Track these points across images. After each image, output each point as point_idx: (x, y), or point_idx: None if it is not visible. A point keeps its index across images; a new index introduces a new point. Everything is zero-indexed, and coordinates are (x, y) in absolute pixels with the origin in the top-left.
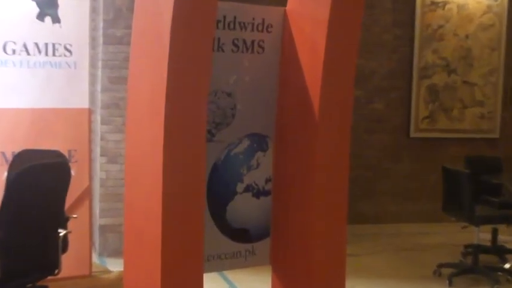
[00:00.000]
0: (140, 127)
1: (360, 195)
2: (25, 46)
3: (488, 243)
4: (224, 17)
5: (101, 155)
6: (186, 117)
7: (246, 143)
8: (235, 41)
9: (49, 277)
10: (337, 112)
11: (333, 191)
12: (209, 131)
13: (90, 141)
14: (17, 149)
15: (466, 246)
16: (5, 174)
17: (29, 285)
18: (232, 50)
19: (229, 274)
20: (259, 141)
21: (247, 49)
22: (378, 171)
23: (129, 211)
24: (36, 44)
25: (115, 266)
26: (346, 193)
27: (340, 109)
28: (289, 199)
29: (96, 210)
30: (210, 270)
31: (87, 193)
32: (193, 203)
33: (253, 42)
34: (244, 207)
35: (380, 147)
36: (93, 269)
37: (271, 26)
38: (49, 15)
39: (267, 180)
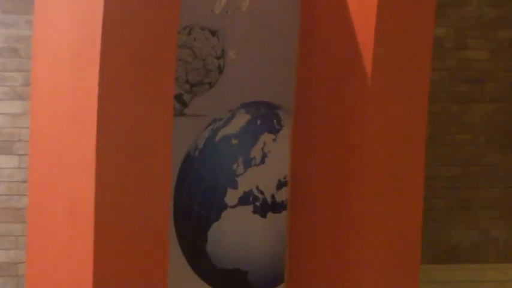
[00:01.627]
0: (56, 89)
1: (445, 213)
2: None
3: None
4: None
5: None
6: (137, 70)
7: (242, 118)
8: None
9: None
10: (403, 67)
11: (395, 206)
12: (178, 98)
13: None
14: None
15: None
16: None
17: None
18: None
19: None
20: (266, 116)
21: None
22: (477, 170)
23: (34, 239)
24: None
25: None
26: (420, 209)
27: (408, 61)
28: (318, 219)
29: None
30: None
31: None
32: (149, 225)
33: None
34: (239, 232)
35: (481, 128)
36: None
37: None
38: None
39: (280, 185)
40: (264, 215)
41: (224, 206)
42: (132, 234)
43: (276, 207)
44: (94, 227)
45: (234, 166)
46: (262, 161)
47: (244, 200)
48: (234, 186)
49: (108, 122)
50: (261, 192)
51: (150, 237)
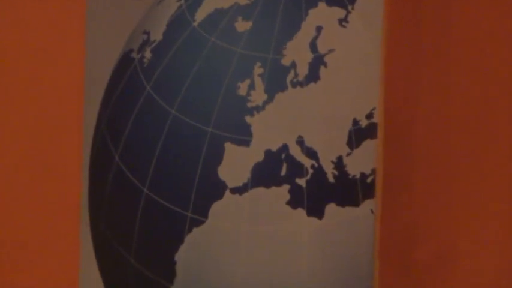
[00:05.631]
0: None
1: None
2: None
3: None
4: None
5: None
6: None
7: None
8: None
9: None
10: None
11: None
12: None
13: None
14: None
15: None
16: None
17: None
18: None
19: None
20: None
21: None
22: None
23: None
24: None
25: None
26: None
27: None
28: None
29: None
30: None
31: None
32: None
33: None
34: (252, 253)
35: None
36: None
37: None
38: None
39: (358, 135)
40: (317, 211)
41: (217, 188)
42: None
43: (349, 189)
44: None
45: (241, 86)
46: (314, 76)
47: (267, 171)
48: (242, 135)
49: None
50: (311, 153)
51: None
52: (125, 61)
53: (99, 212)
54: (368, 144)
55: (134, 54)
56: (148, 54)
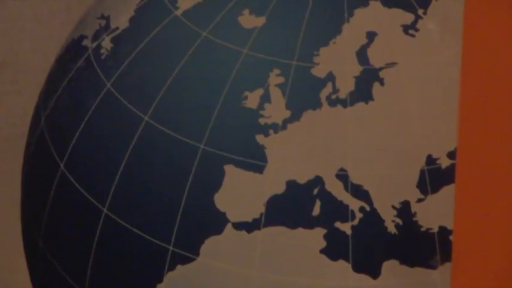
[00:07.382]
0: None
1: None
2: None
3: None
4: None
5: None
6: None
7: None
8: None
9: None
10: None
11: None
12: None
13: None
14: None
15: None
16: None
17: None
18: None
19: None
20: None
21: None
22: None
23: None
24: None
25: None
26: None
27: None
28: None
29: None
30: None
31: None
32: None
33: None
34: None
35: None
36: None
37: None
38: None
39: (433, 173)
40: (369, 267)
41: (214, 220)
42: None
43: (421, 245)
44: None
45: (249, 96)
46: (364, 95)
47: (292, 207)
48: (251, 158)
49: None
50: (360, 192)
51: None
52: (74, 49)
53: (38, 226)
54: (450, 190)
55: (87, 42)
56: (107, 44)
